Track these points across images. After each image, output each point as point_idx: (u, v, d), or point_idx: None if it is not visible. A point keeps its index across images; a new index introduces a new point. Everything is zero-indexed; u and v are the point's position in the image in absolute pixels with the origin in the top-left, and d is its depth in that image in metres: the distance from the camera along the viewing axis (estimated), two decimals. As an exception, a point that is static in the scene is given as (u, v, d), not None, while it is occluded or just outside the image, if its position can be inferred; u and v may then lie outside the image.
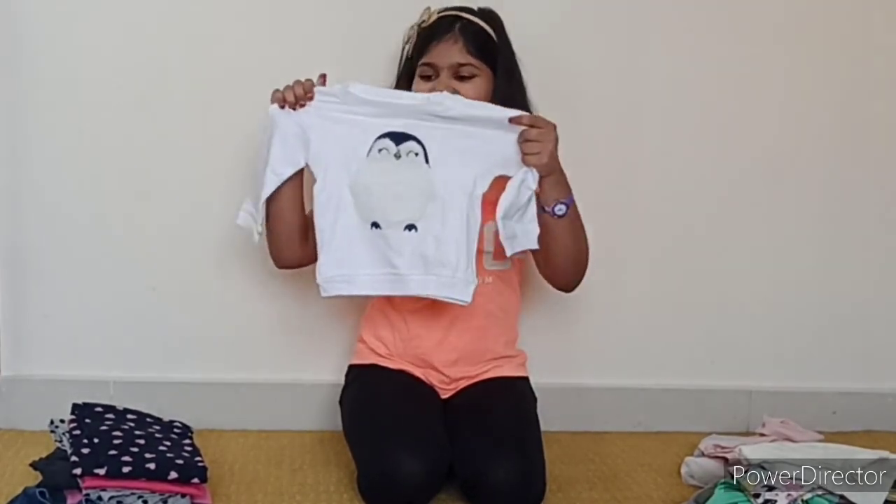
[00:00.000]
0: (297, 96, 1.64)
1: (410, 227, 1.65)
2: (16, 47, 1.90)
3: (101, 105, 1.94)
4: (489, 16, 1.81)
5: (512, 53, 1.81)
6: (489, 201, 1.66)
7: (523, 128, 1.63)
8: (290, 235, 1.73)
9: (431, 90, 1.72)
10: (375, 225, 1.65)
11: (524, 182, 1.63)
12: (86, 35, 1.92)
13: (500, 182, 1.65)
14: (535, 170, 1.63)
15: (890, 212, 2.22)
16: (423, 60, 1.76)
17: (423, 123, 1.65)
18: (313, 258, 1.71)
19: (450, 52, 1.74)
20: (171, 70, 1.95)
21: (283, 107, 1.65)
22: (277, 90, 1.65)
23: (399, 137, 1.65)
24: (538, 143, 1.61)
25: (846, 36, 2.15)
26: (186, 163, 1.97)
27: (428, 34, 1.77)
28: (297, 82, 1.66)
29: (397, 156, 1.66)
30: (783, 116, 2.16)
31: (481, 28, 1.78)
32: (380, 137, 1.66)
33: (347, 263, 1.66)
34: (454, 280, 1.64)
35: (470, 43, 1.75)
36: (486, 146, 1.65)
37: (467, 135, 1.65)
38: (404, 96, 1.68)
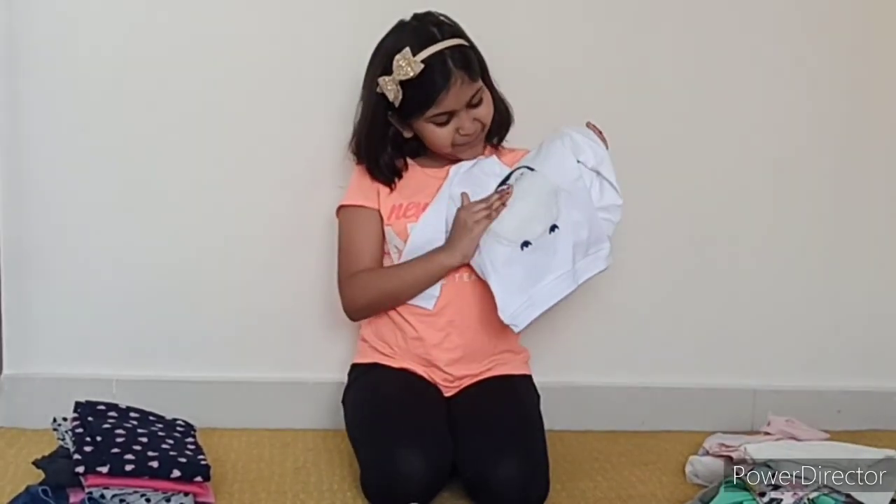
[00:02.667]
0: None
1: (553, 227, 1.70)
2: (17, 45, 1.90)
3: (105, 103, 1.93)
4: (455, 29, 1.75)
5: (474, 45, 1.78)
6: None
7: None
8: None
9: (457, 132, 1.76)
10: (526, 244, 1.70)
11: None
12: (87, 32, 1.92)
13: None
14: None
15: (896, 210, 2.22)
16: (435, 111, 1.72)
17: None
18: None
19: (462, 93, 1.72)
20: (176, 68, 1.94)
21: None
22: (480, 221, 1.70)
23: (506, 178, 1.77)
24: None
25: (855, 32, 2.14)
26: (190, 161, 1.97)
27: (428, 86, 1.69)
28: (496, 202, 1.72)
29: (509, 187, 1.74)
30: (789, 115, 2.16)
31: (463, 48, 1.73)
32: (497, 189, 1.76)
33: (521, 289, 1.70)
34: (608, 251, 1.75)
35: (468, 70, 1.72)
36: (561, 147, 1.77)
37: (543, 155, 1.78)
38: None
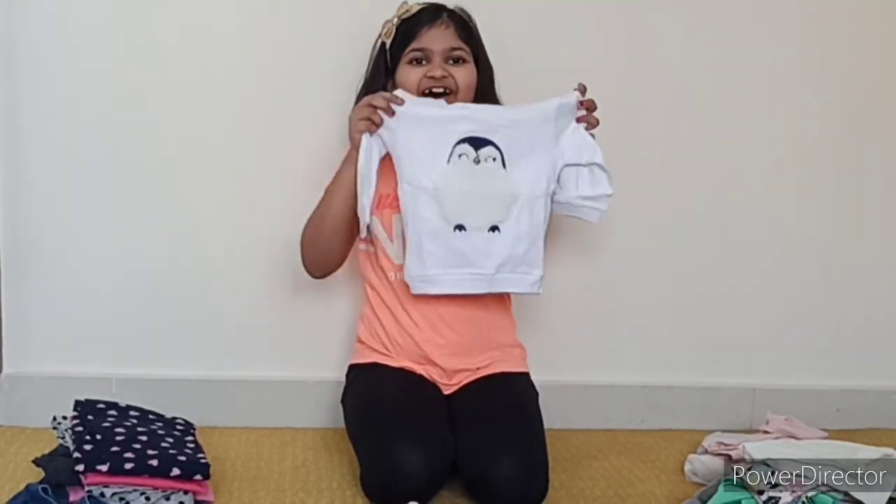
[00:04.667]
0: (386, 114, 1.69)
1: (494, 228, 1.71)
2: (15, 43, 1.89)
3: (103, 101, 1.93)
4: (465, 12, 1.84)
5: (485, 50, 1.85)
6: None
7: (567, 113, 1.73)
8: (338, 230, 1.78)
9: (424, 75, 1.76)
10: (460, 227, 1.71)
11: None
12: (87, 32, 1.92)
13: None
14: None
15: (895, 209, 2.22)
16: (414, 46, 1.77)
17: (490, 125, 1.72)
18: (340, 264, 1.83)
19: (443, 37, 1.77)
20: (173, 66, 1.94)
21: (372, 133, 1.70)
22: (368, 119, 1.68)
23: (477, 142, 1.72)
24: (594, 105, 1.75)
25: (854, 31, 2.15)
26: (189, 159, 1.97)
27: (415, 21, 1.78)
28: (380, 100, 1.68)
29: (476, 161, 1.71)
30: (789, 115, 2.16)
31: (464, 19, 1.82)
32: (459, 143, 1.71)
33: (430, 264, 1.71)
34: (537, 279, 1.75)
35: (460, 28, 1.79)
36: (544, 142, 1.73)
37: (528, 132, 1.73)
38: (441, 105, 1.73)
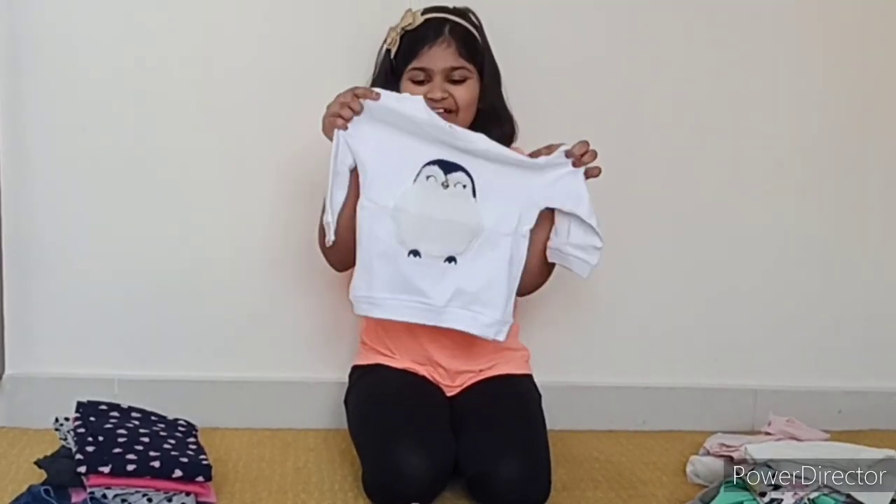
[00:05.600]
0: (353, 112, 1.62)
1: (451, 259, 1.65)
2: (18, 45, 1.89)
3: (106, 102, 1.93)
4: (471, 16, 1.81)
5: (492, 53, 1.82)
6: None
7: (553, 161, 1.65)
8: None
9: (424, 95, 1.70)
10: (415, 253, 1.64)
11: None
12: (89, 31, 1.92)
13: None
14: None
15: (897, 210, 2.22)
16: (415, 65, 1.75)
17: (466, 155, 1.64)
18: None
19: (443, 56, 1.74)
20: (176, 66, 1.94)
21: (345, 128, 1.63)
22: (337, 115, 1.62)
23: (448, 166, 1.65)
24: (592, 156, 1.65)
25: (857, 31, 2.15)
26: (192, 160, 1.97)
27: (416, 38, 1.75)
28: (349, 96, 1.63)
29: (445, 185, 1.65)
30: (790, 115, 2.16)
31: (468, 30, 1.78)
32: (429, 164, 1.65)
33: (377, 286, 1.65)
34: (492, 321, 1.66)
35: (461, 46, 1.75)
36: (526, 180, 1.65)
37: (506, 169, 1.65)
38: (420, 110, 1.64)
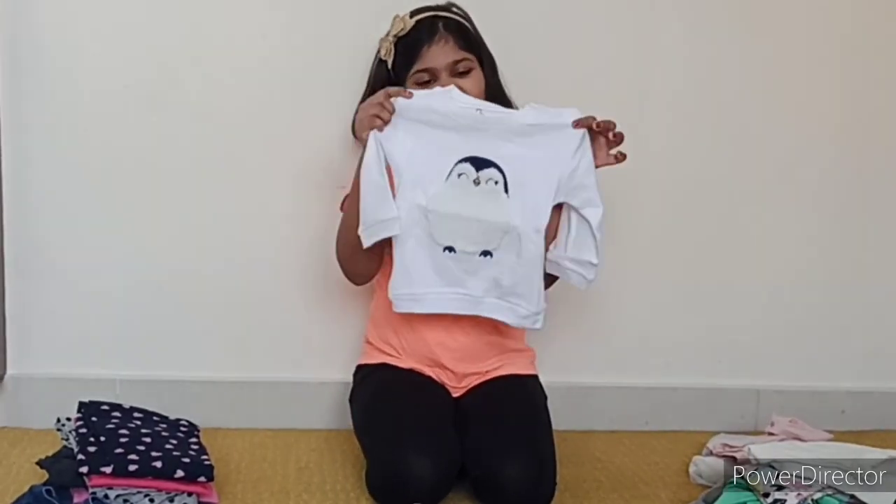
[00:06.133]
0: (390, 113, 1.65)
1: (486, 253, 1.68)
2: (21, 47, 1.89)
3: (108, 103, 1.93)
4: (456, 9, 1.82)
5: (485, 43, 1.83)
6: None
7: (575, 134, 1.66)
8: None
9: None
10: (449, 249, 1.68)
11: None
12: (91, 33, 1.92)
13: None
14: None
15: (900, 210, 2.22)
16: (417, 67, 1.75)
17: (498, 146, 1.66)
18: (377, 271, 1.80)
19: (444, 53, 1.75)
20: (178, 67, 1.94)
21: (382, 129, 1.66)
22: (376, 116, 1.64)
23: (480, 163, 1.67)
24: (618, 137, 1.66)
25: (859, 30, 2.15)
26: (193, 161, 1.97)
27: (413, 40, 1.75)
28: (384, 97, 1.65)
29: (476, 182, 1.67)
30: (793, 116, 2.15)
31: (460, 23, 1.79)
32: (460, 161, 1.67)
33: (417, 282, 1.69)
34: (528, 313, 1.70)
35: (459, 38, 1.76)
36: (549, 168, 1.67)
37: (534, 151, 1.66)
38: (449, 102, 1.66)
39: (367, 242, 1.68)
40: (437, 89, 1.70)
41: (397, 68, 1.78)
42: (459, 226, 1.67)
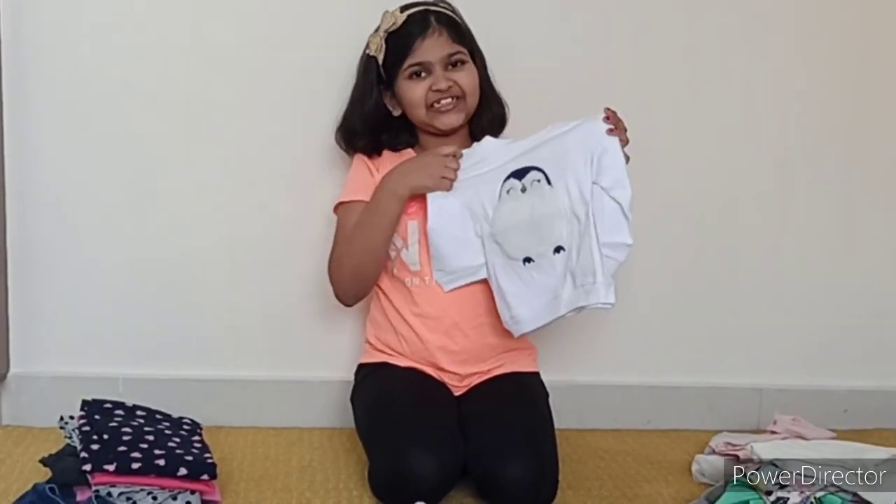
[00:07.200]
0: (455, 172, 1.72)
1: (559, 249, 1.68)
2: (20, 46, 1.90)
3: (108, 103, 1.93)
4: (448, 4, 1.82)
5: (474, 38, 1.83)
6: None
7: (605, 125, 1.68)
8: (378, 270, 1.79)
9: (429, 88, 1.74)
10: (527, 260, 1.70)
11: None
12: (91, 32, 1.92)
13: None
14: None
15: (902, 209, 2.22)
16: (411, 61, 1.75)
17: (534, 155, 1.71)
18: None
19: (438, 46, 1.75)
20: (178, 68, 1.94)
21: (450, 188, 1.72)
22: (445, 178, 1.71)
23: (520, 173, 1.71)
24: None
25: (859, 29, 2.14)
26: (194, 160, 1.97)
27: (404, 35, 1.75)
28: (451, 159, 1.72)
29: (523, 189, 1.70)
30: (794, 111, 2.15)
31: (451, 16, 1.79)
32: (505, 180, 1.71)
33: (514, 306, 1.71)
34: (596, 285, 1.65)
35: (451, 31, 1.77)
36: (583, 145, 1.69)
37: (566, 140, 1.70)
38: (487, 147, 1.75)
39: (448, 287, 1.75)
40: (474, 145, 1.76)
41: (388, 64, 1.77)
42: (524, 233, 1.69)
